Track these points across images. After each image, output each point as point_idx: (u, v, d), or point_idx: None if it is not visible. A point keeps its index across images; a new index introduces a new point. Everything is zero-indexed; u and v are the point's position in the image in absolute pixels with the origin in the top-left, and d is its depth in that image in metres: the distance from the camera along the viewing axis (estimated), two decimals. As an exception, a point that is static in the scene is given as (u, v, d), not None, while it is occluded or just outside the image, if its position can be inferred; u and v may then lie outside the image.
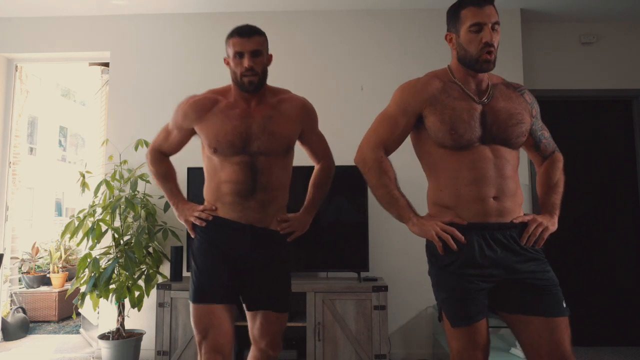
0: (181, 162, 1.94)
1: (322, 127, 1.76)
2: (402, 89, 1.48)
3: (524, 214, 1.42)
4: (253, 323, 1.66)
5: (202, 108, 1.61)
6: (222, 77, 1.78)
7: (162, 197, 2.98)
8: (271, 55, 1.63)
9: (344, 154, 2.02)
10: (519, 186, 1.43)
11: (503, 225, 1.37)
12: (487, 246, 1.35)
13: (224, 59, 1.60)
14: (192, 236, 1.68)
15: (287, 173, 1.68)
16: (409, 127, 1.46)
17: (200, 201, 1.69)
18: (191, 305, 1.57)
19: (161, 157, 1.75)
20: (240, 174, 1.56)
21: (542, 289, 1.34)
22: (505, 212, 1.37)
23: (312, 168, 1.81)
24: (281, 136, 1.59)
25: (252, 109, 1.59)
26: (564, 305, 1.35)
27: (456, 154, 1.38)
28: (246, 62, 1.52)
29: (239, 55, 1.53)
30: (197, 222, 1.62)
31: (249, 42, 1.52)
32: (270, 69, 1.62)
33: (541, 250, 1.40)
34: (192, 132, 1.67)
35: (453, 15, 1.42)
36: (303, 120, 1.67)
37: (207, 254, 1.60)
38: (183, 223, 1.70)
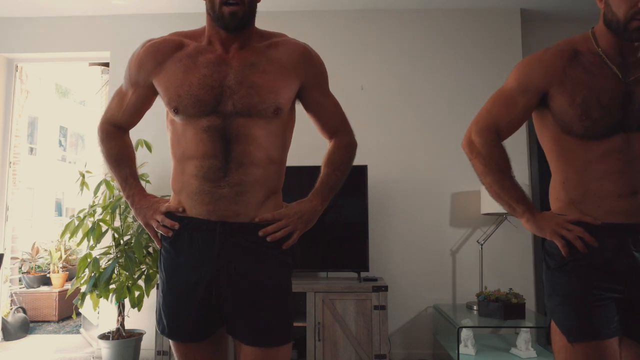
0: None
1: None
2: (526, 61, 1.21)
3: None
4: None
5: (161, 53, 1.19)
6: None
7: (162, 197, 2.96)
8: None
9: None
10: None
11: None
12: (624, 251, 1.09)
13: None
14: (158, 246, 1.24)
15: (279, 143, 1.20)
16: (529, 108, 1.19)
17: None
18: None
19: (114, 131, 1.29)
20: (208, 144, 1.12)
21: None
22: None
23: (316, 168, 1.34)
24: (267, 89, 1.14)
25: (230, 55, 1.17)
26: None
27: (586, 143, 1.12)
28: None
29: None
30: (162, 231, 1.19)
31: None
32: None
33: None
34: (152, 90, 1.22)
35: None
36: (303, 72, 1.21)
37: (172, 279, 1.19)
38: (143, 226, 1.24)
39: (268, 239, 1.16)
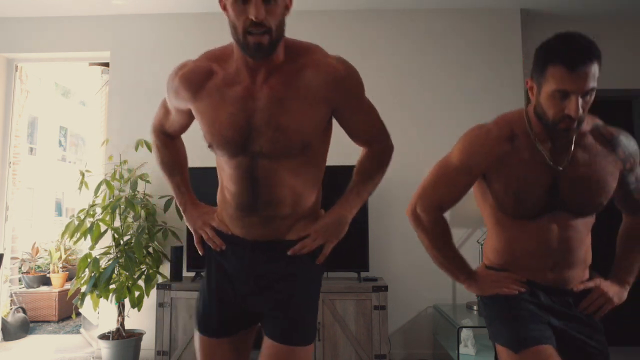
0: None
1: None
2: (470, 142, 1.29)
3: (589, 279, 1.32)
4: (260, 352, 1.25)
5: (194, 84, 1.15)
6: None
7: (162, 197, 2.98)
8: None
9: (343, 154, 2.00)
10: (589, 250, 1.32)
11: (561, 291, 1.29)
12: (543, 304, 1.28)
13: (220, 1, 1.08)
14: (200, 253, 1.33)
15: (310, 174, 1.22)
16: (470, 185, 1.32)
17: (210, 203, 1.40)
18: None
19: (164, 139, 1.36)
20: (238, 183, 1.16)
21: (589, 357, 1.26)
22: (566, 280, 1.29)
23: (337, 168, 1.43)
24: (293, 130, 1.09)
25: (257, 86, 1.10)
26: None
27: (517, 222, 1.28)
28: (253, 11, 0.99)
29: None
30: (211, 245, 1.29)
31: None
32: None
33: (599, 320, 1.31)
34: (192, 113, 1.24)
35: (538, 64, 1.16)
36: (334, 97, 1.14)
37: (212, 279, 1.29)
38: (192, 232, 1.36)
39: (291, 252, 1.22)
